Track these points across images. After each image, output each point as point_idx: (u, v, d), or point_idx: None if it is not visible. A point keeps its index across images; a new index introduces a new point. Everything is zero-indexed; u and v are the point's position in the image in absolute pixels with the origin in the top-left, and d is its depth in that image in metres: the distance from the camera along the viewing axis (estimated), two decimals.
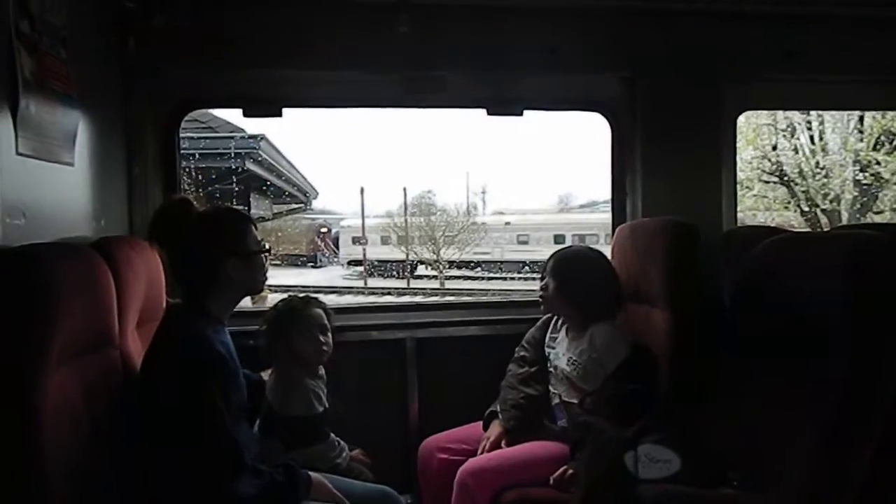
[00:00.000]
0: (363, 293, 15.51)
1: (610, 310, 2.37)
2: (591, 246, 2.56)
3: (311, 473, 1.85)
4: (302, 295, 2.38)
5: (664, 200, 2.75)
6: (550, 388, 2.39)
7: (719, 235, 2.59)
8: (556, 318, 2.50)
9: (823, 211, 10.67)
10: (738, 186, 3.15)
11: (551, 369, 2.40)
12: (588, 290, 2.33)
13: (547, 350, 2.45)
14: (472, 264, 19.19)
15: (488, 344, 2.81)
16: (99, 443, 1.59)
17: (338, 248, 21.72)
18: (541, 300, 2.39)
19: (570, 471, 2.10)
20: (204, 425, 1.61)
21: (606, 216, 2.98)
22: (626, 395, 2.07)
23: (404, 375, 2.83)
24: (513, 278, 18.63)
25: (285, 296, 2.39)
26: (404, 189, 19.30)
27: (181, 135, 2.77)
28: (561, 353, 2.37)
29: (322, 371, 2.31)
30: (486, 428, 2.44)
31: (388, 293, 15.03)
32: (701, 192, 2.77)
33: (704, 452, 1.71)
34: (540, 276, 2.42)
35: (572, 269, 2.36)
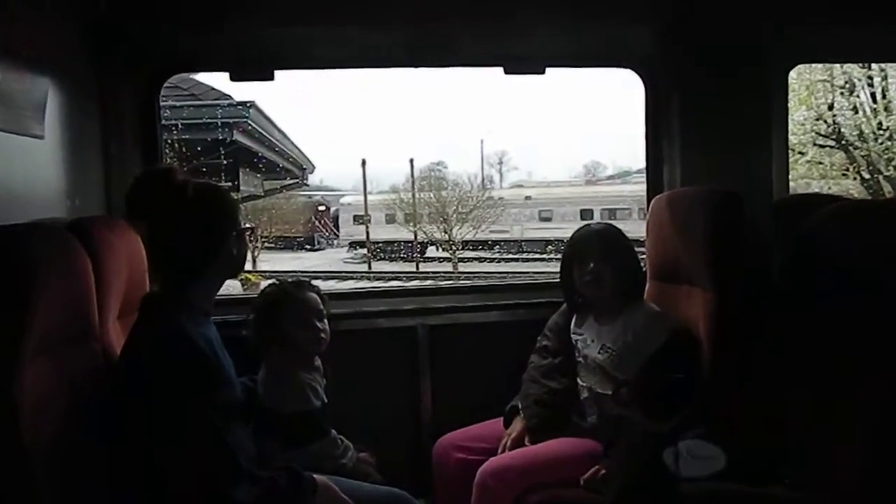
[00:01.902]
0: (367, 278, 15.59)
1: (641, 289, 2.42)
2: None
3: (315, 476, 1.85)
4: (292, 279, 2.41)
5: (706, 168, 2.74)
6: (579, 380, 2.40)
7: (769, 206, 2.58)
8: (564, 307, 2.53)
9: (887, 178, 10.56)
10: (790, 152, 3.13)
11: (580, 359, 2.41)
12: (626, 268, 2.38)
13: (574, 338, 2.46)
14: (489, 244, 19.26)
15: (508, 331, 2.82)
16: (84, 441, 1.61)
17: (338, 228, 21.86)
18: (588, 287, 2.41)
19: (603, 470, 2.12)
20: (189, 432, 1.61)
21: (639, 188, 3.00)
22: (665, 384, 2.08)
23: (415, 367, 2.85)
24: (535, 259, 18.77)
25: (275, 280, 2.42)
26: (411, 161, 19.31)
27: (161, 104, 2.78)
28: (590, 339, 2.39)
29: (318, 362, 2.33)
30: (507, 424, 2.46)
31: (395, 278, 15.09)
32: (748, 158, 2.74)
33: (751, 447, 1.71)
34: (574, 256, 2.44)
35: (613, 245, 2.42)
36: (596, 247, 2.41)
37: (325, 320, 2.31)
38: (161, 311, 1.75)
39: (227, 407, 1.73)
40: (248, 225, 1.95)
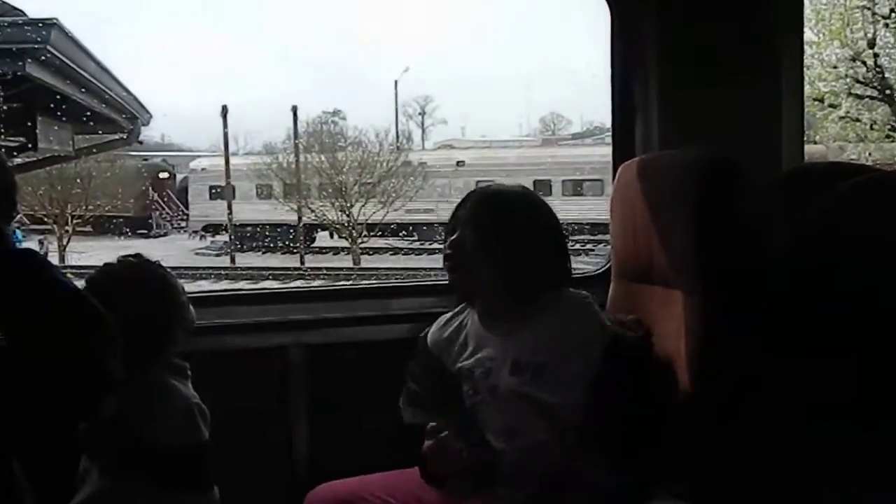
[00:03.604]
0: (228, 278, 15.44)
1: (563, 276, 2.44)
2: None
3: None
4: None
5: (692, 126, 2.83)
6: (467, 428, 2.40)
7: (776, 179, 2.66)
8: (458, 308, 2.56)
9: None
10: (819, 104, 3.25)
11: (474, 398, 2.42)
12: (533, 244, 2.38)
13: (452, 363, 2.48)
14: (406, 229, 19.28)
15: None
16: None
17: (186, 205, 21.47)
18: (449, 270, 2.44)
19: None
20: None
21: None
22: (623, 416, 2.13)
23: (286, 399, 2.92)
24: None
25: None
26: (294, 109, 19.04)
27: None
28: (488, 358, 2.40)
29: (189, 371, 2.45)
30: (427, 476, 2.48)
31: (270, 277, 15.09)
32: (748, 110, 2.85)
33: None
34: (447, 229, 2.47)
35: (505, 212, 2.40)
36: (459, 215, 2.43)
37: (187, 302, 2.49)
38: None
39: None
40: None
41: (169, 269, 2.49)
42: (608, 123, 3.16)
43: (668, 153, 2.74)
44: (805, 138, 3.23)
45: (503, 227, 2.36)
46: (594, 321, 2.34)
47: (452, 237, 2.41)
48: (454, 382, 2.44)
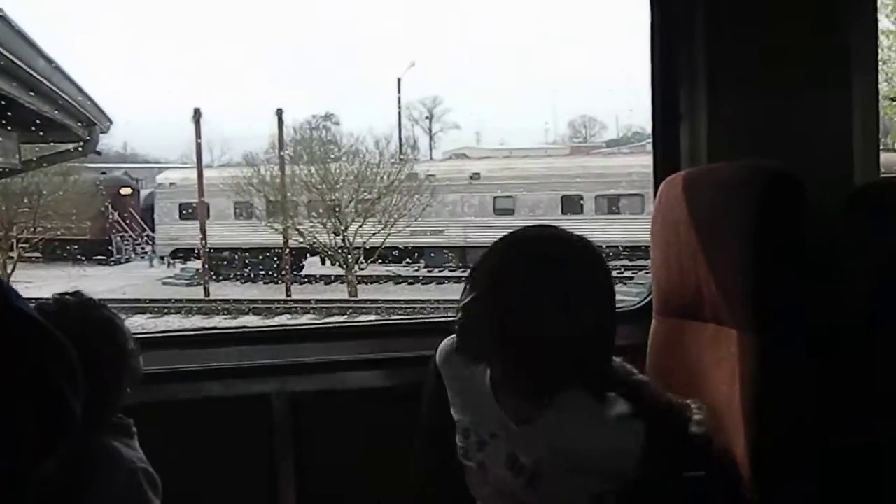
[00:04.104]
0: (200, 312, 15.61)
1: (600, 368, 2.29)
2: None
3: None
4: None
5: (746, 135, 2.84)
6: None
7: (848, 196, 2.66)
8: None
9: None
10: (889, 104, 3.25)
11: (461, 447, 2.40)
12: (571, 331, 2.18)
13: (461, 431, 2.43)
14: (410, 255, 19.28)
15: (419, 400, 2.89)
16: None
17: (152, 225, 21.52)
18: (459, 331, 2.29)
19: None
20: None
21: None
22: None
23: (269, 458, 2.92)
24: None
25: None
26: (279, 113, 19.15)
27: None
28: (486, 430, 2.34)
29: (133, 429, 2.42)
30: None
31: (250, 311, 15.19)
32: (814, 119, 2.86)
33: None
34: (465, 285, 2.28)
35: (542, 279, 2.20)
36: (500, 266, 2.25)
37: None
38: None
39: None
40: None
41: (114, 310, 2.45)
42: (650, 128, 3.17)
43: (719, 166, 2.74)
44: (881, 146, 3.23)
45: (535, 301, 2.17)
46: (630, 443, 2.19)
47: (468, 298, 2.24)
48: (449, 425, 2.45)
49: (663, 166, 2.99)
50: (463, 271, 19.30)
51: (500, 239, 2.27)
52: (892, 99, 10.12)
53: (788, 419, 2.23)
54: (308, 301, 16.17)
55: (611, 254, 16.49)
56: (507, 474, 2.29)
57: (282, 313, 15.07)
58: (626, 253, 16.06)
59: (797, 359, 2.28)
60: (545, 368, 2.22)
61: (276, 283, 18.12)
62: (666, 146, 3.04)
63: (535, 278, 2.17)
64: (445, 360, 2.47)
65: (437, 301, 15.19)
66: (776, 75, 2.87)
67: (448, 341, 2.46)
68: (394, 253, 18.78)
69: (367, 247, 18.15)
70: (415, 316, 12.69)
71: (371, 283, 18.11)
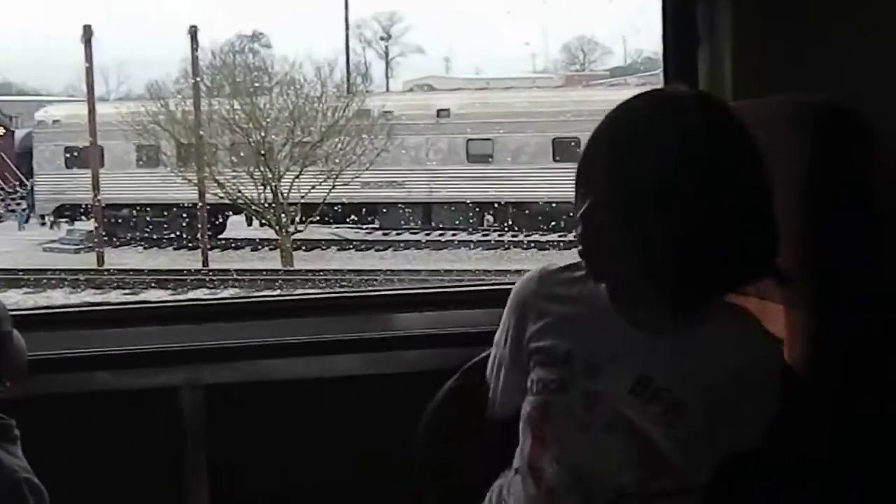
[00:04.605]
0: (92, 285, 15.62)
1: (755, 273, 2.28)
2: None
3: None
4: None
5: (780, 66, 2.85)
6: (548, 453, 2.42)
7: None
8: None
9: None
10: None
11: (543, 379, 2.40)
12: (730, 220, 2.15)
13: (558, 358, 2.44)
14: (361, 214, 19.27)
15: (375, 396, 2.92)
16: None
17: (29, 174, 21.41)
18: (582, 249, 2.32)
19: None
20: None
21: None
22: None
23: (177, 461, 2.93)
24: (461, 244, 18.88)
25: None
26: (193, 32, 19.07)
27: None
28: (603, 351, 2.34)
29: (16, 432, 2.41)
30: None
31: (155, 284, 15.24)
32: (876, 49, 2.85)
33: None
34: (577, 188, 2.31)
35: (685, 157, 2.13)
36: (621, 146, 2.19)
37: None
38: None
39: None
40: None
41: None
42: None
43: (751, 102, 2.73)
44: None
45: (676, 190, 2.12)
46: (774, 362, 2.27)
47: (584, 205, 2.20)
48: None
49: None
50: (427, 234, 19.40)
51: (610, 116, 2.23)
52: None
53: (842, 411, 2.26)
54: (229, 272, 16.25)
55: None
56: (635, 401, 2.27)
57: (196, 287, 15.12)
58: None
59: (858, 343, 2.30)
60: (701, 281, 2.22)
61: (190, 248, 18.12)
62: (680, 77, 3.04)
63: (677, 159, 2.13)
64: (537, 285, 2.46)
65: (393, 272, 15.28)
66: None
67: (534, 273, 2.50)
68: (339, 210, 18.80)
69: (305, 202, 18.21)
70: (364, 289, 12.69)
71: (310, 249, 18.15)
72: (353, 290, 12.46)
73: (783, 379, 2.22)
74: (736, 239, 2.12)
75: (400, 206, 19.62)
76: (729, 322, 2.27)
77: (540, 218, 19.29)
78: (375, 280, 14.76)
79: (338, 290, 12.96)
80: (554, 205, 18.92)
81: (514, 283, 2.48)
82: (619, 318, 2.31)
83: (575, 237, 2.23)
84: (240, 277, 15.62)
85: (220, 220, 19.19)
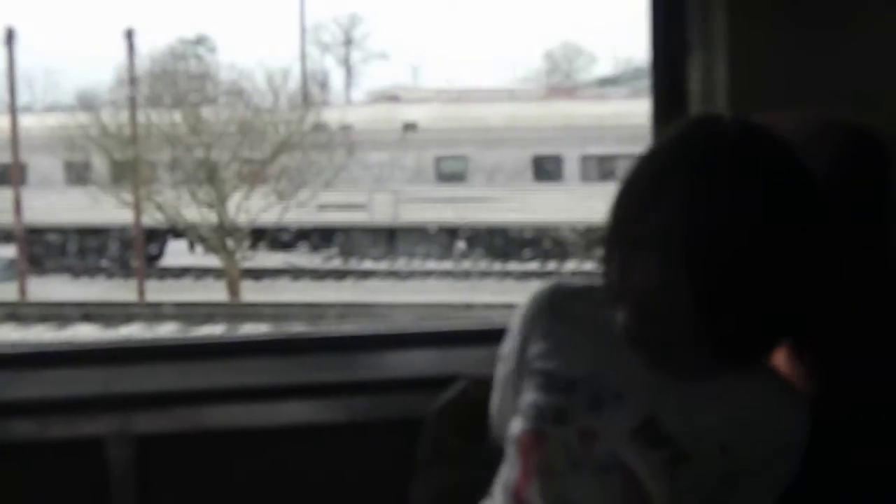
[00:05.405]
0: (14, 318, 15.64)
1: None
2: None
3: None
4: None
5: (777, 76, 2.90)
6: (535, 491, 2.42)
7: None
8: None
9: None
10: None
11: (558, 430, 2.40)
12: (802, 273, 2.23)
13: (562, 385, 2.44)
14: (318, 239, 19.22)
15: (329, 449, 2.93)
16: None
17: None
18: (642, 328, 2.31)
19: None
20: None
21: None
22: None
23: None
24: (432, 274, 18.76)
25: None
26: (130, 34, 19.07)
27: None
28: (609, 386, 2.36)
29: None
30: None
31: (84, 319, 15.21)
32: (877, 57, 2.90)
33: None
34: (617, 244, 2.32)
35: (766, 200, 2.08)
36: (711, 195, 2.31)
37: None
38: None
39: None
40: None
41: None
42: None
43: (759, 117, 2.75)
44: None
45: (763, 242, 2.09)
46: (801, 427, 2.23)
47: (655, 273, 2.14)
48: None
49: (666, 115, 3.02)
50: (392, 261, 19.40)
51: (654, 151, 2.20)
52: None
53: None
54: (167, 305, 16.15)
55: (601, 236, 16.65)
56: (636, 445, 2.26)
57: (130, 321, 15.04)
58: None
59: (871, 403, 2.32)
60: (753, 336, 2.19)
61: (124, 277, 18.06)
62: (671, 87, 3.07)
63: (766, 206, 2.07)
64: (549, 301, 2.43)
65: (348, 306, 15.26)
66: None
67: (547, 287, 2.46)
68: (293, 235, 18.84)
69: (256, 227, 18.19)
70: (320, 327, 12.69)
71: (260, 278, 18.10)
72: (305, 330, 12.40)
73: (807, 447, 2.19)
74: (810, 290, 2.12)
75: (361, 230, 19.62)
76: (754, 375, 2.24)
77: (518, 245, 19.31)
78: (337, 315, 14.74)
79: (288, 329, 12.91)
80: (534, 231, 18.97)
81: (487, 320, 2.51)
82: (631, 353, 2.29)
83: (620, 306, 2.16)
84: (179, 312, 15.55)
85: (159, 245, 19.12)
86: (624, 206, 2.15)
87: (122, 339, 7.91)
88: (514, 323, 2.45)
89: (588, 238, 17.99)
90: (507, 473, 2.33)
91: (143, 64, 19.84)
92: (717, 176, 2.04)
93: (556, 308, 2.40)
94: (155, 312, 15.55)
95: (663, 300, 2.09)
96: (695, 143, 2.13)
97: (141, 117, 18.73)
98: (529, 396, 2.33)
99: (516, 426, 2.31)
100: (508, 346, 2.48)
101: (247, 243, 17.96)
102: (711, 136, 2.13)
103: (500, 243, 19.59)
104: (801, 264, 2.06)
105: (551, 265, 19.01)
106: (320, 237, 19.35)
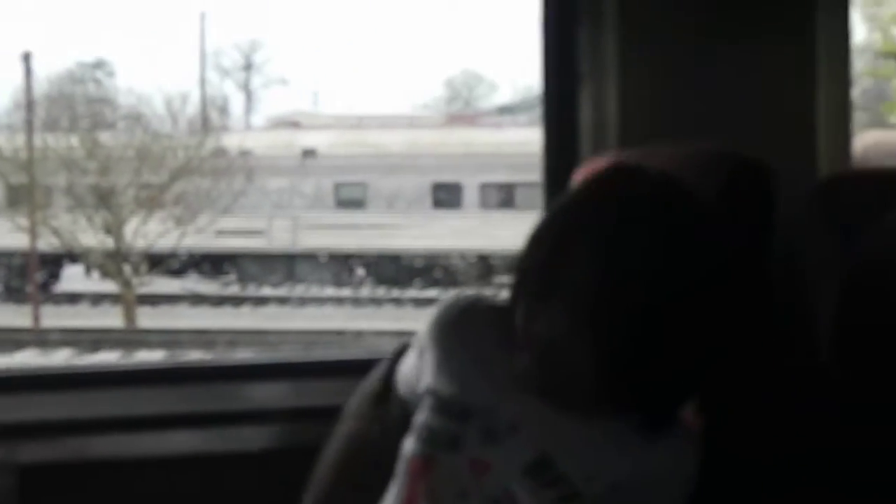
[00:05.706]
0: None
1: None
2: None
3: None
4: None
5: (670, 106, 2.92)
6: None
7: (811, 192, 2.73)
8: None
9: None
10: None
11: (447, 456, 2.39)
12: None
13: (455, 410, 2.43)
14: (217, 265, 19.14)
15: (220, 479, 2.91)
16: None
17: None
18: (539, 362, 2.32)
19: None
20: None
21: None
22: None
23: None
24: (327, 302, 18.75)
25: None
26: (26, 58, 18.91)
27: None
28: (505, 420, 2.36)
29: None
30: None
31: None
32: (764, 86, 2.95)
33: None
34: (519, 275, 2.33)
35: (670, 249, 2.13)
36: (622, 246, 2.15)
37: None
38: None
39: None
40: None
41: None
42: None
43: (653, 151, 2.76)
44: (868, 121, 3.32)
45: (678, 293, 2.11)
46: (689, 461, 2.26)
47: (553, 325, 2.15)
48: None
49: (557, 146, 3.05)
50: (291, 287, 19.32)
51: (564, 208, 2.23)
52: (891, 54, 10.46)
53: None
54: (61, 331, 16.04)
55: (500, 264, 16.69)
56: (528, 483, 2.27)
57: (23, 348, 14.86)
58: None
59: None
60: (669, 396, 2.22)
61: (18, 302, 17.87)
62: (562, 118, 3.09)
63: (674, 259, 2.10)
64: (457, 317, 2.42)
65: (239, 333, 15.20)
66: (716, 23, 2.94)
67: (457, 301, 2.45)
68: (191, 261, 18.72)
69: (153, 253, 18.05)
70: (220, 356, 12.64)
71: (157, 304, 17.94)
72: (192, 359, 12.34)
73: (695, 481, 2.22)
74: (716, 347, 2.14)
75: (259, 257, 19.53)
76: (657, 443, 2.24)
77: (409, 273, 19.32)
78: (235, 342, 14.66)
79: (180, 355, 12.86)
80: (425, 259, 19.01)
81: (381, 351, 2.51)
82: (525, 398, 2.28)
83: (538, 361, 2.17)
84: (74, 338, 15.41)
85: (55, 271, 18.93)
86: (534, 254, 2.16)
87: (8, 368, 7.82)
88: (423, 334, 2.43)
89: (479, 266, 18.11)
90: (395, 493, 2.32)
91: (40, 87, 19.68)
92: (629, 232, 2.05)
93: (463, 326, 2.39)
94: (48, 338, 15.39)
95: (567, 351, 2.08)
96: (610, 196, 2.13)
97: (37, 141, 18.56)
98: (423, 416, 2.31)
99: (408, 446, 2.29)
100: (416, 345, 2.46)
101: (144, 269, 17.82)
102: (627, 189, 2.13)
103: (391, 271, 19.59)
104: (708, 323, 2.07)
105: (447, 293, 19.01)
106: (218, 263, 19.22)
